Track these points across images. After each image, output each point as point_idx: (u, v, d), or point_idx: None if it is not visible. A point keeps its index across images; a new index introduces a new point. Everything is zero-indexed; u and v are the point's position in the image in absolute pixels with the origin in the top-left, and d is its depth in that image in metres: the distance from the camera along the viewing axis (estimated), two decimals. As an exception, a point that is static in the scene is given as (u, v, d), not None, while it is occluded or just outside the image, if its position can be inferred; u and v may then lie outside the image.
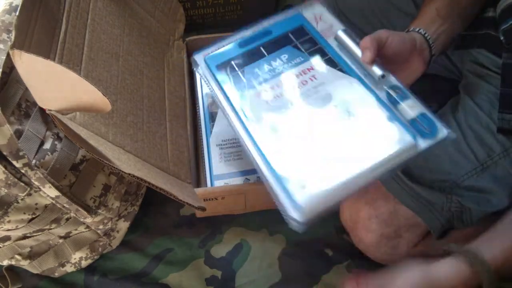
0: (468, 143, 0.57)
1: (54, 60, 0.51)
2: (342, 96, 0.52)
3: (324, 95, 0.53)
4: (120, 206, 0.63)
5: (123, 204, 0.64)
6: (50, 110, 0.48)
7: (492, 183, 0.56)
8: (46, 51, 0.51)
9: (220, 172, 0.71)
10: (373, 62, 0.51)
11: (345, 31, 0.57)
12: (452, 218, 0.57)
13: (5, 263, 0.62)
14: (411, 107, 0.49)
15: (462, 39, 0.63)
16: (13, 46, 0.42)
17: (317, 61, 0.56)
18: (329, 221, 0.71)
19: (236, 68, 0.59)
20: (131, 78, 0.63)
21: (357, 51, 0.53)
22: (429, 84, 0.85)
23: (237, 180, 0.70)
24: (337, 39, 0.58)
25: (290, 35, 0.61)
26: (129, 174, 0.50)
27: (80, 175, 0.55)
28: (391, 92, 0.51)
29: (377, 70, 0.51)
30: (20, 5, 0.47)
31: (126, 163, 0.54)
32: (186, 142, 0.71)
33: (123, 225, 0.68)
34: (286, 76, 0.57)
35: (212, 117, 0.76)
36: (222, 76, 0.58)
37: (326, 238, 0.70)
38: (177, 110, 0.72)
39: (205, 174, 0.72)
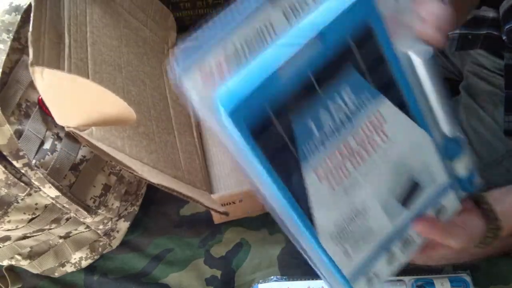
0: (471, 143, 0.58)
1: None
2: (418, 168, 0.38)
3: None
4: (120, 206, 0.63)
5: (123, 204, 0.64)
6: (69, 127, 0.48)
7: (492, 184, 0.56)
8: (56, 67, 0.50)
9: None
10: None
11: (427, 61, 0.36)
12: None
13: (5, 263, 0.62)
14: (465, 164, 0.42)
15: (463, 40, 0.63)
16: (32, 64, 0.42)
17: (385, 103, 0.34)
18: (329, 221, 0.71)
19: (278, 125, 0.30)
20: (135, 89, 0.63)
21: (433, 96, 0.38)
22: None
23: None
24: (417, 69, 0.36)
25: (351, 43, 0.31)
26: (158, 184, 0.49)
27: (80, 175, 0.55)
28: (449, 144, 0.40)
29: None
30: (31, 21, 0.46)
31: (149, 174, 0.55)
32: (195, 149, 0.70)
33: (123, 225, 0.68)
34: (354, 133, 0.33)
35: None
36: (259, 144, 0.30)
37: (326, 238, 0.70)
38: (182, 118, 0.71)
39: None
